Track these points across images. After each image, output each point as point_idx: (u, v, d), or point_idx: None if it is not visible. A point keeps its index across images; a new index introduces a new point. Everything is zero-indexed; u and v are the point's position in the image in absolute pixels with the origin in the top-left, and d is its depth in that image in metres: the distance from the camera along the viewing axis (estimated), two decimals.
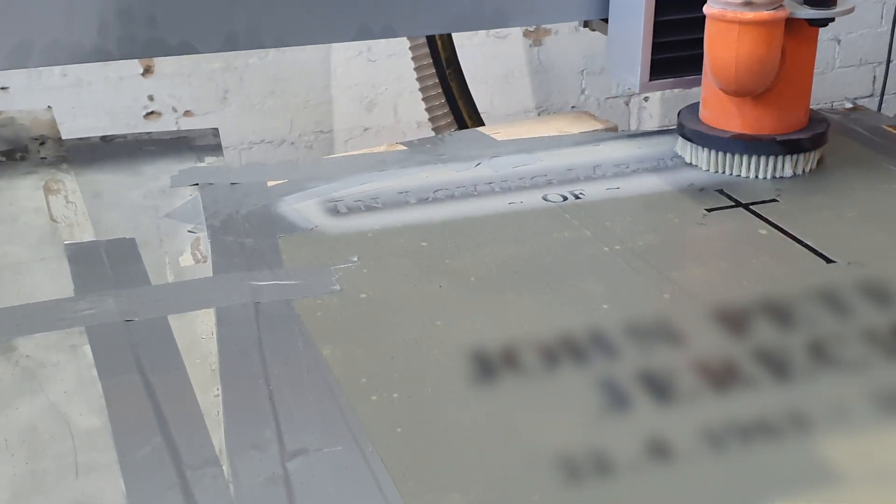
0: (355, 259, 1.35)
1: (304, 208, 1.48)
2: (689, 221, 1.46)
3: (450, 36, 2.37)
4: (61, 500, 0.95)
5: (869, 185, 1.58)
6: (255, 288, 1.28)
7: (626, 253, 1.37)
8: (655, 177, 1.60)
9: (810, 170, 1.60)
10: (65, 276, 1.31)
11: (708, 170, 1.60)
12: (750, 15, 1.50)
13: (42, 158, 1.64)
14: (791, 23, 1.54)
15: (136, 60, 2.92)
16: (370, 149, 1.71)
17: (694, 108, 1.66)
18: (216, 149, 1.69)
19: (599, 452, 1.01)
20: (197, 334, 1.19)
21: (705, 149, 1.60)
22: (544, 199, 1.52)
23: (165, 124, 3.03)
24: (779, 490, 0.97)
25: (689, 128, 1.62)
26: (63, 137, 1.71)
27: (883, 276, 1.32)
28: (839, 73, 3.73)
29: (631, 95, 3.57)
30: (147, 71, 2.97)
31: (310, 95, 3.12)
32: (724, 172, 1.59)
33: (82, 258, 1.35)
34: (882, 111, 3.74)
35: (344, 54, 3.09)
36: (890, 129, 1.77)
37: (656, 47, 1.70)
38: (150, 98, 2.98)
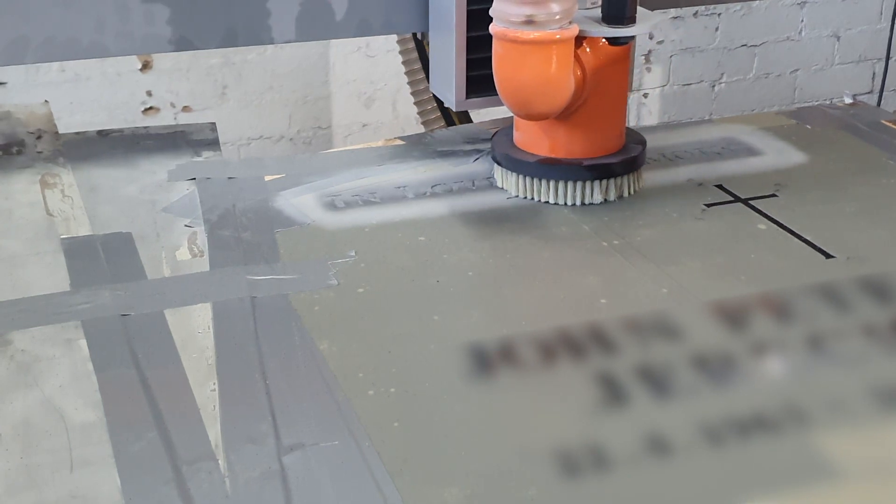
0: (353, 254, 1.35)
1: (301, 203, 1.48)
2: (688, 216, 1.46)
3: None
4: (55, 495, 0.95)
5: (869, 181, 1.58)
6: (252, 282, 1.28)
7: (624, 247, 1.37)
8: (656, 171, 1.59)
9: (628, 195, 1.50)
10: (61, 271, 1.31)
11: (517, 195, 1.50)
12: (533, 34, 1.36)
13: (38, 153, 1.63)
14: (591, 42, 1.44)
15: (134, 56, 2.92)
16: (368, 143, 1.70)
17: (510, 129, 1.57)
18: (213, 143, 1.68)
19: (597, 447, 1.01)
20: (193, 328, 1.19)
21: (513, 173, 1.51)
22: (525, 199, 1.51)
23: (163, 119, 3.03)
24: (777, 485, 0.97)
25: (498, 151, 1.53)
26: (60, 132, 1.70)
27: (882, 271, 1.32)
28: (838, 70, 3.72)
29: (631, 92, 3.56)
30: (145, 66, 2.96)
31: (308, 91, 3.12)
32: (532, 198, 1.49)
33: (78, 252, 1.35)
34: (881, 108, 3.74)
35: (342, 50, 3.09)
36: (890, 125, 1.77)
37: (473, 63, 1.58)
38: (149, 93, 2.97)
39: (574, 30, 1.39)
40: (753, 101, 3.70)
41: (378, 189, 1.52)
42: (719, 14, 3.54)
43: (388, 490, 0.95)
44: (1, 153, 1.63)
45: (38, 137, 1.68)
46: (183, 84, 3.01)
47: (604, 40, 1.44)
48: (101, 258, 1.33)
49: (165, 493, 0.95)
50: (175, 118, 3.03)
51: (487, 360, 1.14)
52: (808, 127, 1.77)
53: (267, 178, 1.55)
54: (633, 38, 1.46)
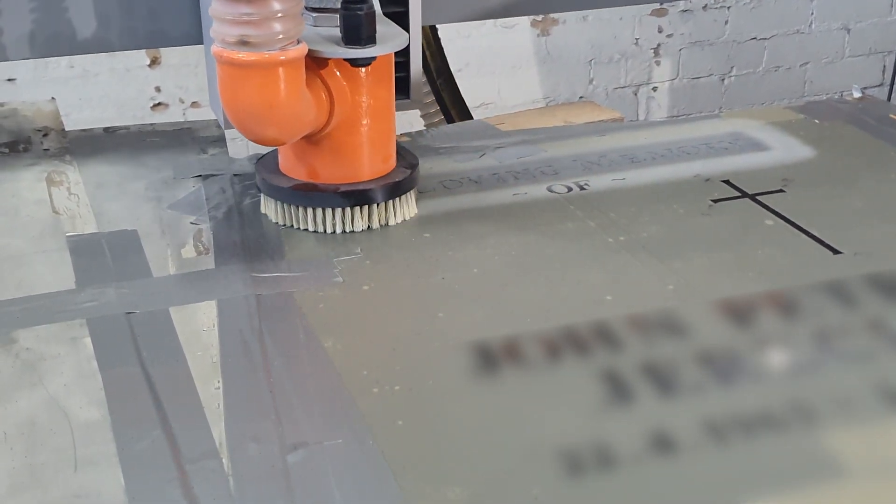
0: (358, 251, 1.35)
1: None
2: (695, 212, 1.45)
3: (439, 45, 2.33)
4: (60, 494, 0.95)
5: (877, 176, 1.57)
6: (257, 280, 1.28)
7: (630, 244, 1.36)
8: (663, 167, 1.59)
9: (391, 224, 1.41)
10: (66, 268, 1.31)
11: (277, 223, 1.41)
12: (249, 56, 1.23)
13: (45, 150, 1.64)
14: (338, 63, 1.33)
15: (142, 51, 2.92)
16: None
17: (276, 152, 1.47)
18: (220, 140, 1.69)
19: (602, 445, 1.01)
20: (198, 326, 1.19)
21: (272, 199, 1.42)
22: (549, 189, 1.51)
23: (172, 115, 3.03)
24: (783, 483, 0.96)
25: (260, 175, 1.43)
26: (67, 129, 1.71)
27: (890, 266, 1.31)
28: (848, 63, 3.71)
29: (639, 85, 3.55)
30: (153, 62, 2.97)
31: None
32: (292, 226, 1.40)
33: (84, 250, 1.35)
34: (891, 101, 3.72)
35: None
36: None
37: None
38: (157, 89, 2.98)
39: (301, 49, 1.26)
40: (763, 94, 3.69)
41: None
42: (728, 7, 3.53)
43: (392, 489, 0.95)
44: (7, 150, 1.64)
45: (45, 135, 1.68)
46: (191, 80, 3.02)
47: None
48: (107, 256, 1.34)
49: (169, 491, 0.95)
50: (184, 114, 3.04)
51: (492, 358, 1.14)
52: (816, 121, 1.76)
53: None
54: (372, 58, 1.34)
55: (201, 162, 1.61)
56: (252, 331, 1.18)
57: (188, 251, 1.36)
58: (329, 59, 1.34)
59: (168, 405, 1.06)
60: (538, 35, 3.51)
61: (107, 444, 1.01)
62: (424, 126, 2.38)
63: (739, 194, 1.50)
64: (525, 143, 1.68)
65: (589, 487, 0.96)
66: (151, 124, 1.73)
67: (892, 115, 1.78)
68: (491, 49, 3.51)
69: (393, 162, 1.44)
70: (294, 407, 1.06)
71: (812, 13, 3.60)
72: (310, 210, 1.39)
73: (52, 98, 1.81)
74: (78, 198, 1.49)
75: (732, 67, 3.57)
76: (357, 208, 1.39)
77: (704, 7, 3.47)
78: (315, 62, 1.33)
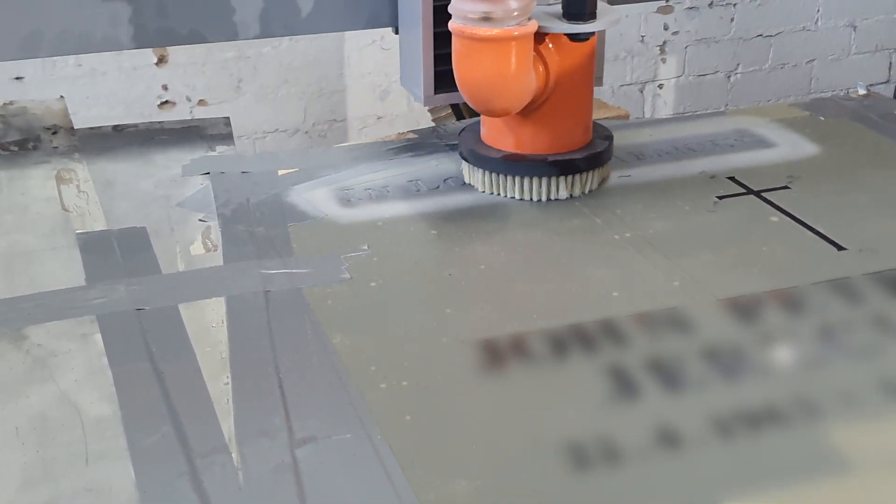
0: (365, 248, 1.35)
1: (314, 197, 1.48)
2: (700, 209, 1.46)
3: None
4: (71, 488, 0.96)
5: (882, 172, 1.57)
6: (266, 276, 1.29)
7: (636, 240, 1.37)
8: (668, 164, 1.59)
9: (589, 191, 1.50)
10: (76, 265, 1.32)
11: (483, 191, 1.51)
12: (490, 31, 1.36)
13: (54, 148, 1.64)
14: (554, 38, 1.44)
15: (149, 50, 2.93)
16: (380, 137, 1.71)
17: (477, 125, 1.57)
18: (227, 138, 1.69)
19: (608, 440, 1.01)
20: (207, 322, 1.20)
21: (479, 169, 1.51)
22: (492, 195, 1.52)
23: (180, 113, 3.04)
24: (788, 477, 0.97)
25: (465, 147, 1.53)
26: (76, 127, 1.71)
27: (895, 263, 1.32)
28: (854, 60, 3.71)
29: (645, 83, 3.56)
30: (161, 60, 2.97)
31: (323, 84, 3.12)
32: (498, 194, 1.50)
33: (93, 247, 1.36)
34: (895, 100, 3.72)
35: (357, 43, 3.09)
36: None
37: (441, 58, 1.57)
38: (164, 87, 2.99)
39: (532, 26, 1.39)
40: (769, 91, 3.68)
41: (390, 183, 1.53)
42: (734, 4, 3.53)
43: (400, 482, 0.96)
44: (17, 149, 1.64)
45: (54, 133, 1.69)
46: (198, 78, 3.02)
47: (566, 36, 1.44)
48: (116, 253, 1.34)
49: (179, 486, 0.96)
50: (191, 112, 3.04)
51: (499, 354, 1.14)
52: (822, 118, 1.76)
53: (280, 172, 1.56)
54: (593, 33, 1.45)
55: (210, 160, 1.61)
56: (260, 327, 1.19)
57: (197, 248, 1.36)
58: (546, 34, 1.43)
59: (178, 400, 1.07)
60: None
61: (117, 439, 1.02)
62: (432, 119, 2.38)
63: (745, 191, 1.50)
64: None
65: (595, 481, 0.97)
66: (160, 122, 1.74)
67: None
68: None
69: (591, 133, 1.53)
70: (302, 402, 1.07)
71: (818, 10, 3.60)
72: (517, 179, 1.48)
73: (61, 96, 1.82)
74: (87, 195, 1.50)
75: (738, 64, 3.56)
76: (563, 177, 1.47)
77: (710, 4, 3.47)
78: (534, 37, 1.42)
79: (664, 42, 3.51)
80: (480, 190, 1.50)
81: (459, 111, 2.27)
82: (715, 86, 3.63)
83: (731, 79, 3.63)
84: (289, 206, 1.46)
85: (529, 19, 1.39)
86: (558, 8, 1.45)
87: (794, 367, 1.14)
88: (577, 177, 1.48)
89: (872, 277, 1.28)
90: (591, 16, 1.44)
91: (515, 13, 1.36)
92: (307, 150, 1.67)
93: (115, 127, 1.73)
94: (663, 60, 3.54)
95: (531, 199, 1.48)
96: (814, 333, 1.18)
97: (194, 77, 3.03)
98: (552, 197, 1.48)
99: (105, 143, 1.67)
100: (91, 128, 1.72)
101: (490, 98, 1.41)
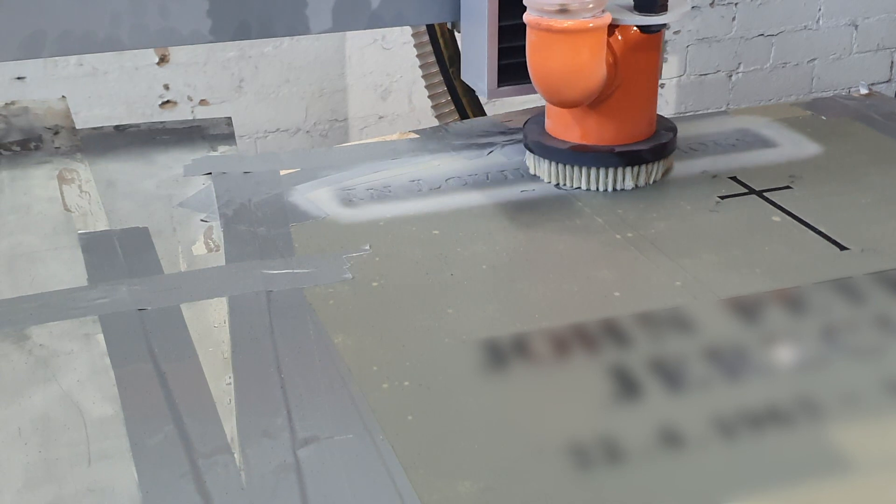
0: (367, 248, 1.36)
1: (316, 197, 1.49)
2: (702, 209, 1.46)
3: (452, 34, 2.34)
4: (74, 488, 0.96)
5: (884, 172, 1.57)
6: (268, 276, 1.29)
7: (638, 240, 1.37)
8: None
9: (653, 181, 1.53)
10: (78, 266, 1.32)
11: (549, 182, 1.53)
12: (566, 23, 1.39)
13: (56, 148, 1.64)
14: (622, 30, 1.46)
15: (151, 50, 2.93)
16: (382, 137, 1.71)
17: (541, 117, 1.59)
18: (229, 138, 1.69)
19: (610, 440, 1.01)
20: (209, 323, 1.20)
21: (545, 160, 1.53)
22: (556, 186, 1.52)
23: (181, 113, 3.04)
24: (790, 477, 0.97)
25: (530, 138, 1.55)
26: (77, 127, 1.71)
27: None
28: (856, 59, 3.70)
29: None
30: (162, 60, 2.97)
31: (324, 84, 3.12)
32: (564, 185, 1.52)
33: (96, 247, 1.36)
34: None
35: (358, 42, 3.09)
36: None
37: (505, 52, 1.61)
38: (166, 87, 2.99)
39: (607, 18, 1.41)
40: (770, 90, 3.68)
41: (392, 183, 1.53)
42: (736, 3, 3.53)
43: (402, 483, 0.96)
44: (19, 149, 1.65)
45: (56, 133, 1.69)
46: (200, 78, 3.02)
47: (635, 28, 1.46)
48: (118, 253, 1.35)
49: (182, 486, 0.96)
50: (192, 112, 3.04)
51: (501, 354, 1.14)
52: (823, 118, 1.76)
53: (282, 172, 1.56)
54: (664, 25, 1.47)
55: (211, 160, 1.61)
56: (263, 327, 1.19)
57: (199, 248, 1.36)
58: (616, 26, 1.45)
59: (180, 401, 1.07)
60: None
61: (120, 439, 1.02)
62: (435, 116, 2.38)
63: (747, 191, 1.50)
64: None
65: (597, 482, 0.97)
66: (162, 122, 1.74)
67: None
68: None
69: (655, 125, 1.55)
70: (305, 402, 1.07)
71: (819, 9, 3.59)
72: (584, 169, 1.50)
73: (63, 96, 1.82)
74: (89, 195, 1.50)
75: (740, 64, 3.56)
76: (629, 167, 1.49)
77: (712, 3, 3.47)
78: None
79: (665, 41, 3.51)
80: (546, 181, 1.53)
81: (464, 111, 2.27)
82: (716, 85, 3.63)
83: (733, 78, 3.63)
84: (291, 206, 1.46)
85: (603, 11, 1.41)
86: (629, 0, 1.48)
87: (796, 368, 1.14)
88: (643, 167, 1.51)
89: (874, 277, 1.28)
90: (662, 7, 1.46)
91: (591, 5, 1.39)
92: (309, 150, 1.67)
93: (117, 127, 1.73)
94: (665, 60, 3.54)
95: (597, 189, 1.50)
96: (816, 333, 1.18)
97: (196, 77, 3.03)
98: (618, 187, 1.50)
99: (107, 143, 1.67)
100: (93, 128, 1.72)
101: (562, 89, 1.44)
